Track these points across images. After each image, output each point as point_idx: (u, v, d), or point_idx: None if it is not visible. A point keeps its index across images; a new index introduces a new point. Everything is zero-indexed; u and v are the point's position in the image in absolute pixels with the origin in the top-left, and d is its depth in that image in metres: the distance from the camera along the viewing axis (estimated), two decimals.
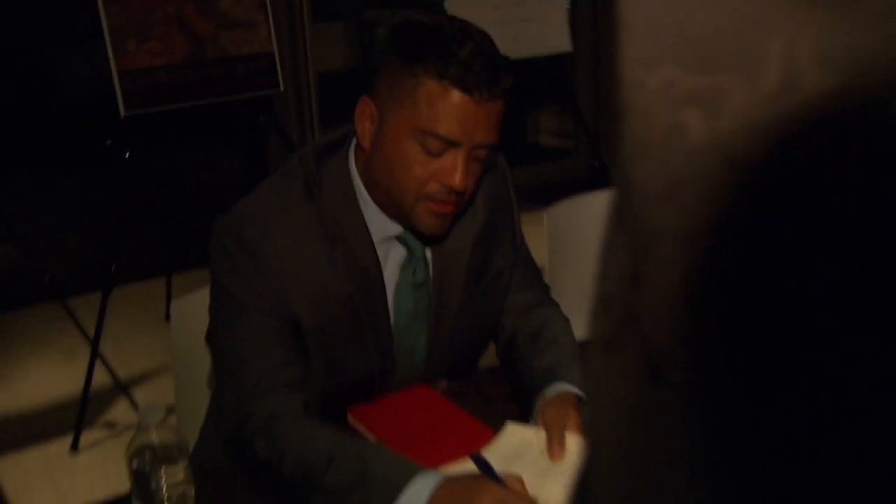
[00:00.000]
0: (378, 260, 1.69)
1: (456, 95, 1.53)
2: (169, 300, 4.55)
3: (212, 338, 1.70)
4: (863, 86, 0.29)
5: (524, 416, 1.70)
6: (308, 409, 1.58)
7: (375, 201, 1.68)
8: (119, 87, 3.52)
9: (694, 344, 0.35)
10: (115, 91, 3.54)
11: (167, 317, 4.57)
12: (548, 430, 1.58)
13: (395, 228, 1.70)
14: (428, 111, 1.54)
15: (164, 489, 1.31)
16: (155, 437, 1.32)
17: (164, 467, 1.31)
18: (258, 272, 1.60)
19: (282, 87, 3.90)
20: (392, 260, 1.72)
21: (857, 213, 0.31)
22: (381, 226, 1.69)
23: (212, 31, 3.71)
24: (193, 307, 2.04)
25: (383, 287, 1.70)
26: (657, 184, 0.36)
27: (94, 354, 3.62)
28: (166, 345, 4.36)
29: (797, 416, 0.32)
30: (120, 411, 3.75)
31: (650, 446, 0.39)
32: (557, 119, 6.71)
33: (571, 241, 2.62)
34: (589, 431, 0.45)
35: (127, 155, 4.54)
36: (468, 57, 1.53)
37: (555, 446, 1.55)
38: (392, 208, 1.66)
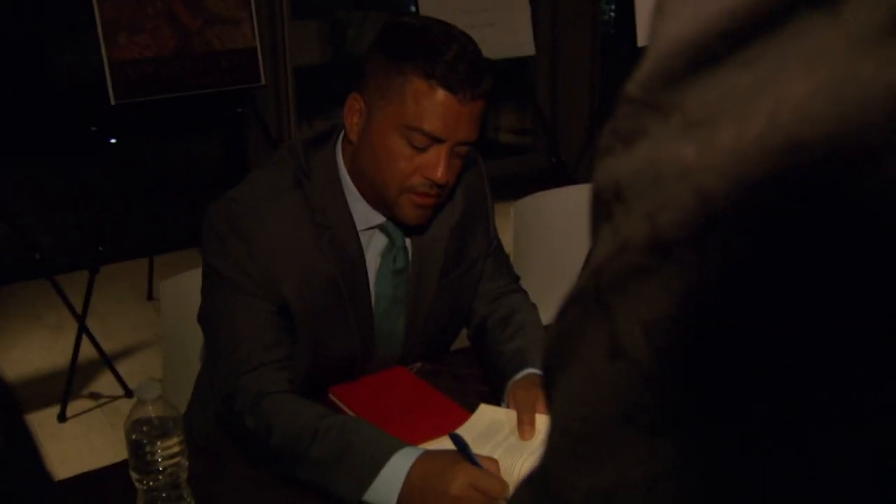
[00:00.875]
0: (361, 247, 1.67)
1: (441, 94, 1.53)
2: (151, 280, 4.51)
3: (203, 318, 1.67)
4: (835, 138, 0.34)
5: (494, 396, 1.70)
6: (293, 385, 1.57)
7: (360, 192, 1.66)
8: (110, 77, 3.47)
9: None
10: (104, 81, 3.49)
11: (149, 295, 4.53)
12: (518, 411, 1.57)
13: (378, 218, 1.68)
14: (414, 108, 1.53)
15: (161, 461, 1.28)
16: (151, 411, 1.29)
17: (159, 441, 1.28)
18: (249, 256, 1.57)
19: (263, 81, 3.86)
20: (374, 247, 1.71)
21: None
22: (364, 215, 1.67)
23: (199, 26, 3.66)
24: (180, 287, 2.01)
25: (366, 273, 1.69)
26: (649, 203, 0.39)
27: (81, 329, 3.57)
28: (148, 322, 4.33)
29: None
30: (105, 384, 3.70)
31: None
32: (515, 117, 6.71)
33: (536, 232, 2.61)
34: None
35: (113, 141, 4.49)
36: (454, 58, 1.52)
37: (525, 426, 1.54)
38: (376, 199, 1.64)
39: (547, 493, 0.46)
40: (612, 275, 0.41)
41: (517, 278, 1.95)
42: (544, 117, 5.55)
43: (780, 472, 0.39)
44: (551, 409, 0.45)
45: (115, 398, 3.60)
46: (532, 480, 0.48)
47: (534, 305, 1.88)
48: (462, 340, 1.93)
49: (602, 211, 0.42)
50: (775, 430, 0.38)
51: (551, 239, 2.60)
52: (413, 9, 6.16)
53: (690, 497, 0.40)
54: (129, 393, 3.61)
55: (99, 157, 4.91)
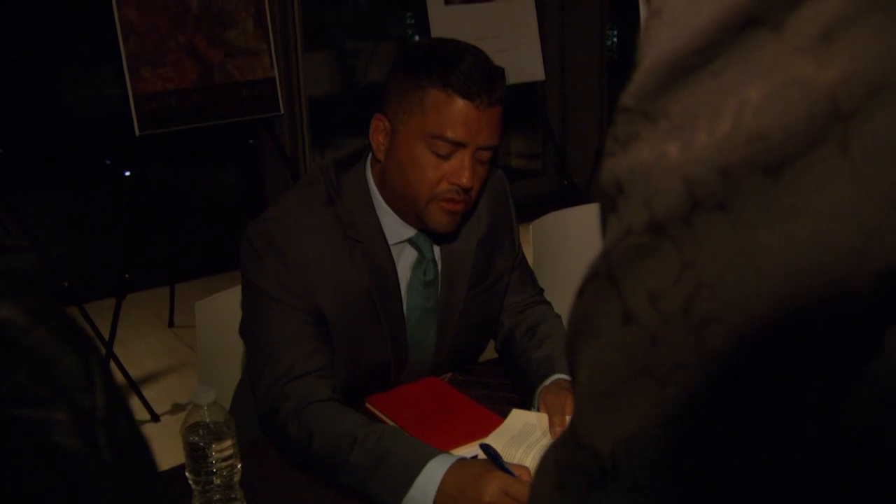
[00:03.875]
0: (393, 261, 1.75)
1: (460, 102, 1.61)
2: (172, 308, 4.58)
3: (245, 331, 1.74)
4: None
5: (523, 403, 1.76)
6: (335, 393, 1.63)
7: (390, 206, 1.74)
8: (134, 110, 3.56)
9: None
10: (119, 114, 3.60)
11: (170, 323, 4.60)
12: (549, 414, 1.63)
13: (408, 232, 1.76)
14: (435, 118, 1.62)
15: (215, 463, 1.35)
16: (207, 415, 1.36)
17: (214, 443, 1.35)
18: (286, 270, 1.65)
19: (283, 111, 3.96)
20: (404, 261, 1.78)
21: None
22: (395, 229, 1.75)
23: (220, 58, 3.76)
24: (214, 308, 2.08)
25: (398, 285, 1.76)
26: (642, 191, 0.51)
27: (109, 355, 3.64)
28: (169, 348, 4.39)
29: None
30: (132, 407, 3.76)
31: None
32: (525, 142, 6.80)
33: (555, 250, 2.69)
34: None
35: (128, 174, 4.57)
36: (468, 68, 1.61)
37: (556, 428, 1.60)
38: (406, 211, 1.72)
39: (578, 446, 0.54)
40: (619, 255, 0.51)
41: (541, 290, 2.02)
42: (555, 141, 5.63)
43: (763, 418, 0.49)
44: (576, 378, 0.55)
45: (143, 422, 3.67)
46: (563, 439, 0.57)
47: (558, 316, 1.95)
48: (490, 353, 2.00)
49: (608, 204, 0.53)
50: (759, 379, 0.49)
51: (569, 255, 2.67)
52: (417, 37, 6.28)
53: (698, 434, 0.50)
54: (155, 417, 3.68)
55: (115, 189, 5.01)
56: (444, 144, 1.63)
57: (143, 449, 0.61)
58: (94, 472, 0.53)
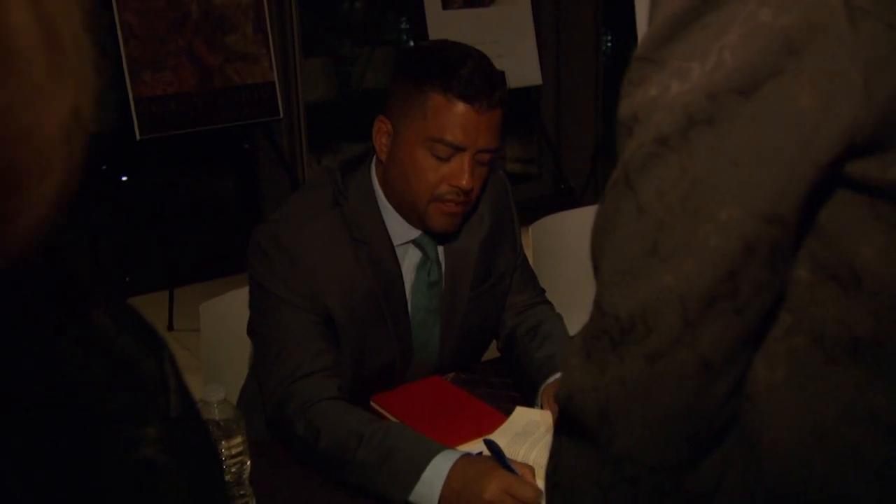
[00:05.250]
0: (398, 262, 1.77)
1: (460, 106, 1.63)
2: (171, 311, 4.58)
3: (253, 330, 1.76)
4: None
5: (526, 401, 1.79)
6: (342, 392, 1.65)
7: (394, 208, 1.76)
8: (135, 114, 3.58)
9: None
10: (116, 118, 3.61)
11: (170, 326, 4.60)
12: (553, 411, 1.66)
13: (413, 233, 1.78)
14: (436, 121, 1.64)
15: (226, 460, 1.37)
16: (217, 413, 1.38)
17: (224, 440, 1.37)
18: (294, 271, 1.67)
19: (281, 115, 3.98)
20: (409, 261, 1.81)
21: None
22: (399, 231, 1.77)
23: (219, 62, 3.79)
24: (219, 310, 2.10)
25: (402, 286, 1.78)
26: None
27: None
28: None
29: None
30: None
31: None
32: (521, 147, 6.82)
33: (554, 252, 2.71)
34: None
35: (124, 179, 4.57)
36: (469, 73, 1.63)
37: None
38: (408, 212, 1.75)
39: (602, 316, 0.70)
40: (634, 163, 0.67)
41: (543, 291, 2.04)
42: (551, 145, 5.66)
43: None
44: (599, 265, 0.71)
45: None
46: (590, 318, 0.72)
47: (559, 315, 1.97)
48: (492, 353, 2.02)
49: (625, 132, 0.69)
50: None
51: (569, 257, 2.70)
52: (412, 42, 6.31)
53: (701, 301, 0.65)
54: None
55: (114, 194, 5.02)
56: (444, 148, 1.65)
57: (211, 449, 0.63)
58: (175, 479, 0.55)
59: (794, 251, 0.69)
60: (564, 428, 0.76)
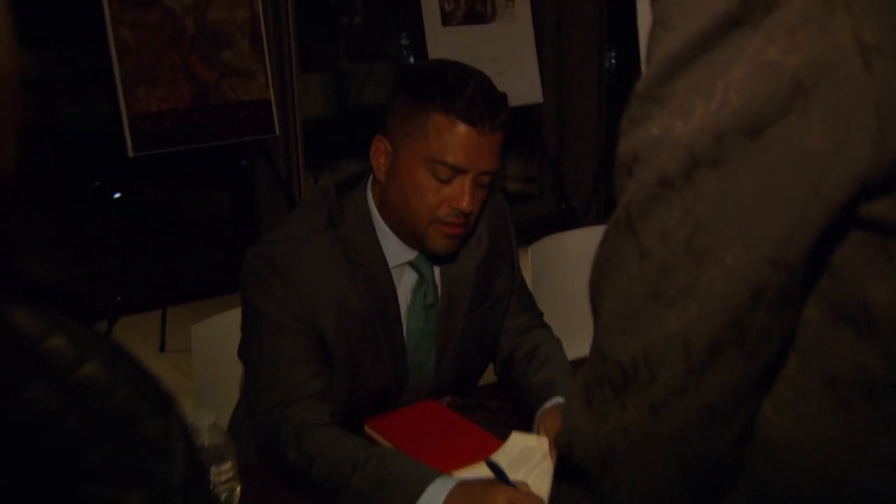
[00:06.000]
0: (393, 284, 1.78)
1: (462, 128, 1.64)
2: (164, 332, 4.58)
3: (245, 353, 1.77)
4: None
5: (523, 426, 1.79)
6: (334, 417, 1.66)
7: (391, 229, 1.77)
8: (129, 130, 3.60)
9: None
10: (109, 133, 3.63)
11: (162, 347, 4.60)
12: (549, 436, 1.66)
13: (409, 255, 1.79)
14: (437, 142, 1.65)
15: (215, 486, 1.37)
16: (206, 438, 1.39)
17: (214, 466, 1.38)
18: (288, 293, 1.68)
19: (278, 133, 4.00)
20: (405, 283, 1.81)
21: None
22: (395, 252, 1.78)
23: (215, 78, 3.81)
24: (211, 331, 2.10)
25: (398, 308, 1.79)
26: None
27: None
28: (161, 373, 4.39)
29: None
30: None
31: None
32: (522, 165, 6.84)
33: (554, 274, 2.72)
34: None
35: (117, 195, 4.57)
36: (471, 94, 1.64)
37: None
38: (406, 233, 1.75)
39: (603, 361, 0.70)
40: (635, 204, 0.67)
41: (541, 314, 2.05)
42: (552, 164, 5.68)
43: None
44: (600, 308, 0.71)
45: None
46: (589, 361, 0.72)
47: (557, 339, 1.98)
48: (489, 376, 2.03)
49: (625, 172, 0.69)
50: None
51: (568, 279, 2.70)
52: (412, 59, 6.34)
53: (706, 347, 0.65)
54: None
55: (106, 211, 5.03)
56: (445, 169, 1.66)
57: None
58: None
59: (804, 292, 0.68)
60: (564, 475, 0.76)
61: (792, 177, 0.62)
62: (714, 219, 0.64)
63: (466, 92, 1.64)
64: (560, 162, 6.20)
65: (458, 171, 1.66)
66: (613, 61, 6.51)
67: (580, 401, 0.72)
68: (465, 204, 1.67)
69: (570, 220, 5.36)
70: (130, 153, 3.61)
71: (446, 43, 4.62)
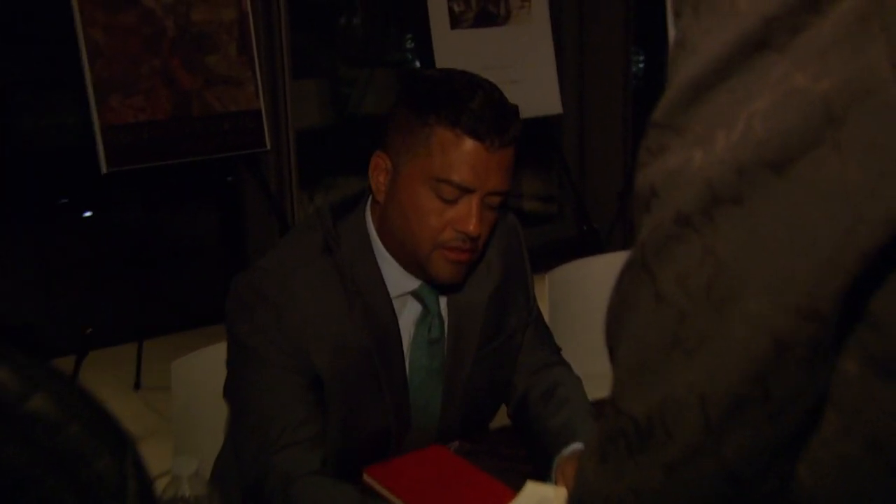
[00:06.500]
0: (395, 315, 1.80)
1: (469, 143, 1.66)
2: (139, 367, 4.58)
3: (230, 393, 1.79)
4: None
5: (539, 475, 1.80)
6: (326, 466, 1.67)
7: (392, 254, 1.79)
8: (101, 143, 3.62)
9: None
10: (79, 146, 3.66)
11: (137, 385, 4.60)
12: (568, 487, 1.67)
13: (412, 283, 1.81)
14: (442, 159, 1.67)
15: None
16: (187, 489, 1.40)
17: None
18: (278, 327, 1.70)
19: (268, 146, 4.03)
20: (407, 315, 1.83)
21: None
22: (397, 281, 1.80)
23: (198, 86, 3.84)
24: (192, 368, 2.11)
25: (400, 342, 1.81)
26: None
27: None
28: (136, 414, 4.39)
29: None
30: None
31: None
32: (540, 183, 6.86)
33: (573, 304, 2.73)
34: None
35: (88, 214, 4.58)
36: (479, 106, 1.66)
37: None
38: (408, 260, 1.77)
39: (618, 415, 0.70)
40: (651, 244, 0.67)
41: (558, 350, 2.07)
42: (573, 182, 5.69)
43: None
44: (615, 356, 0.71)
45: None
46: (604, 414, 0.73)
47: (578, 378, 1.99)
48: (502, 419, 2.04)
49: (643, 207, 0.69)
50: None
51: (589, 310, 2.70)
52: (417, 64, 6.37)
53: (726, 404, 0.65)
54: None
55: (75, 232, 5.03)
56: (451, 189, 1.68)
57: None
58: None
59: (839, 344, 0.67)
60: None
61: (822, 216, 0.61)
62: (736, 262, 0.63)
63: (474, 104, 1.65)
64: (581, 179, 6.21)
65: (465, 190, 1.68)
66: (641, 65, 6.53)
67: (595, 456, 0.73)
68: (471, 227, 1.69)
69: (593, 245, 5.37)
70: (103, 168, 3.63)
71: (455, 47, 4.65)
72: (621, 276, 0.71)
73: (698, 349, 0.65)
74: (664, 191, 0.67)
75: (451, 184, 1.67)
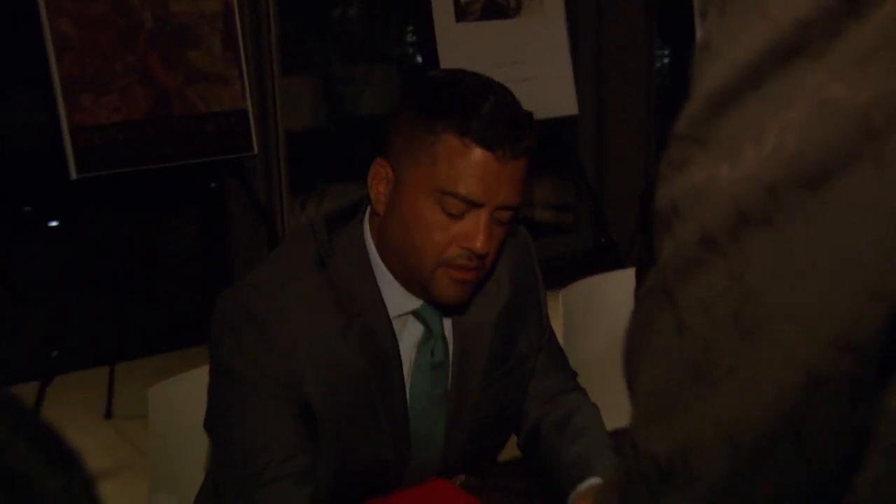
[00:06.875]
0: (395, 337, 1.81)
1: (478, 153, 1.66)
2: (111, 394, 4.57)
3: (212, 423, 1.79)
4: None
5: None
6: (316, 502, 1.68)
7: (391, 271, 1.80)
8: (71, 146, 3.62)
9: None
10: (47, 149, 3.66)
11: (108, 413, 4.59)
12: None
13: (413, 303, 1.82)
14: (448, 170, 1.67)
15: None
16: None
17: None
18: (267, 350, 1.70)
19: (256, 150, 4.04)
20: (408, 337, 1.84)
21: None
22: (397, 300, 1.81)
23: (178, 84, 3.85)
24: (171, 394, 2.12)
25: (400, 367, 1.82)
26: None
27: None
28: (107, 446, 4.39)
29: None
30: None
31: None
32: (554, 190, 6.87)
33: (589, 324, 2.73)
34: None
35: (53, 224, 4.58)
36: (491, 112, 1.66)
37: None
38: (408, 277, 1.78)
39: (637, 454, 0.71)
40: (673, 269, 0.68)
41: (574, 375, 2.08)
42: (590, 189, 5.70)
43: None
44: (634, 389, 0.72)
45: None
46: (623, 453, 0.74)
47: (594, 406, 2.01)
48: (511, 450, 2.05)
49: (663, 226, 0.70)
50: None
51: (608, 331, 2.71)
52: (420, 59, 6.38)
53: (756, 443, 0.65)
54: None
55: (39, 242, 5.03)
56: (457, 202, 1.68)
57: None
58: None
59: (883, 380, 0.67)
60: None
61: (861, 239, 0.61)
62: (766, 288, 0.63)
63: (484, 109, 1.66)
64: (599, 186, 6.21)
65: (472, 204, 1.68)
66: (666, 61, 6.54)
67: (613, 500, 0.74)
68: (479, 244, 1.69)
69: (611, 258, 5.38)
70: (73, 174, 3.64)
71: (461, 42, 4.66)
72: (640, 302, 0.71)
73: (724, 383, 0.65)
74: (687, 209, 0.67)
75: (457, 197, 1.67)
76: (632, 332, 0.73)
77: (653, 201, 0.72)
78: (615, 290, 2.81)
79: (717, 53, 0.67)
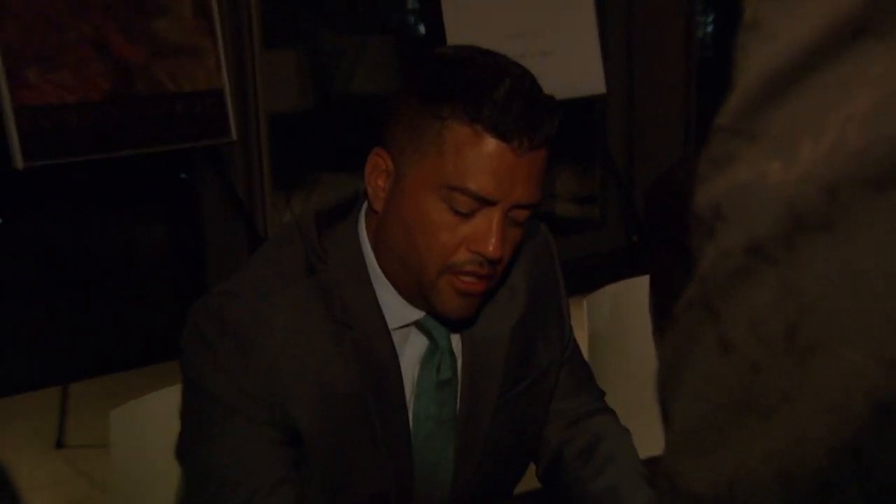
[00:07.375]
0: (395, 352, 1.81)
1: (490, 143, 1.66)
2: (63, 419, 4.57)
3: (184, 451, 1.80)
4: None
5: None
6: None
7: (390, 278, 1.80)
8: (15, 131, 3.61)
9: None
10: (1, 135, 3.63)
11: (59, 442, 4.59)
12: None
13: (415, 313, 1.82)
14: (456, 162, 1.67)
15: None
16: None
17: None
18: (247, 368, 1.71)
19: (234, 136, 4.04)
20: (411, 352, 1.85)
21: None
22: (398, 309, 1.82)
23: (142, 59, 3.84)
24: (135, 418, 2.12)
25: (401, 386, 1.82)
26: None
27: None
28: (58, 478, 4.40)
29: None
30: None
31: None
32: (578, 181, 6.88)
33: (618, 335, 2.74)
34: None
35: None
36: (505, 96, 1.65)
37: None
38: (409, 285, 1.78)
39: (674, 494, 0.70)
40: (715, 280, 0.67)
41: (602, 394, 2.09)
42: (619, 179, 5.71)
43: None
44: (670, 418, 0.71)
45: None
46: (657, 486, 0.74)
47: (625, 430, 2.02)
48: (530, 480, 2.06)
49: (705, 231, 0.69)
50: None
51: (640, 343, 2.72)
52: (422, 30, 6.39)
53: (814, 479, 0.63)
54: None
55: None
56: (466, 200, 1.67)
57: None
58: None
59: None
60: None
61: None
62: (825, 303, 0.62)
63: (499, 93, 1.65)
64: (630, 176, 6.22)
65: (484, 202, 1.68)
66: (710, 29, 6.53)
67: None
68: (491, 248, 1.68)
69: (643, 259, 5.38)
70: (18, 164, 3.63)
71: (469, 10, 4.66)
72: (678, 317, 0.71)
73: (776, 411, 0.64)
74: (732, 213, 0.66)
75: (466, 193, 1.67)
76: (668, 353, 0.71)
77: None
78: (647, 297, 2.81)
79: (767, 34, 0.67)
